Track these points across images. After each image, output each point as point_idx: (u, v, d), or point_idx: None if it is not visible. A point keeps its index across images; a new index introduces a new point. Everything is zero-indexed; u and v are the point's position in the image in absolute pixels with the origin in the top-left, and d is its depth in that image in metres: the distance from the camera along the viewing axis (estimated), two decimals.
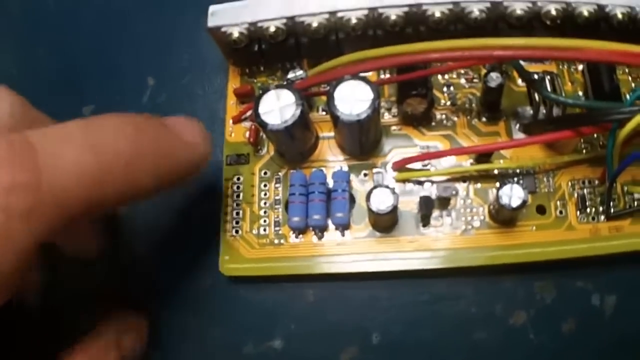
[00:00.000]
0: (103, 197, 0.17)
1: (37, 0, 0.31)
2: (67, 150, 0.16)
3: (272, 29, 0.24)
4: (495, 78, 0.23)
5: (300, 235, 0.24)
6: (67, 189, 0.16)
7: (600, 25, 0.24)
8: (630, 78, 0.25)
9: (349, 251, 0.24)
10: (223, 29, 0.24)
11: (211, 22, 0.24)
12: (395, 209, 0.22)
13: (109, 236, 0.25)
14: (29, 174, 0.15)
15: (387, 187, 0.22)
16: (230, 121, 0.26)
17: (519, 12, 0.24)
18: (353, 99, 0.22)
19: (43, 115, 0.21)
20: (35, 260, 0.25)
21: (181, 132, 0.20)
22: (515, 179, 0.24)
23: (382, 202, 0.22)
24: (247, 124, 0.26)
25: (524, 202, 0.22)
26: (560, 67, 0.26)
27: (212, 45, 0.25)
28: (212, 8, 0.24)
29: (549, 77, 0.24)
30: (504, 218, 0.23)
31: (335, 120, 0.22)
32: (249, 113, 0.25)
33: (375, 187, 0.22)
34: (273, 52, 0.25)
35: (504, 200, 0.22)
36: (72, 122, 0.17)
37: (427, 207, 0.23)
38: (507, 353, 0.23)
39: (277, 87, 0.22)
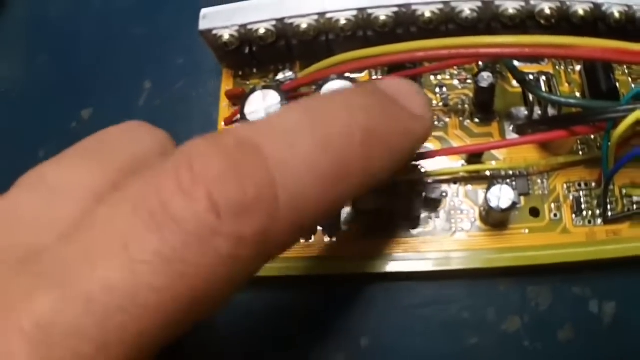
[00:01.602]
0: (339, 195, 0.14)
1: (38, 7, 0.32)
2: (296, 148, 0.13)
3: (262, 31, 0.24)
4: (486, 78, 0.23)
5: None
6: (303, 196, 0.13)
7: (598, 25, 0.24)
8: (630, 79, 0.25)
9: (336, 253, 0.23)
10: (214, 32, 0.24)
11: (202, 25, 0.24)
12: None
13: None
14: (263, 188, 0.12)
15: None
16: (222, 123, 0.26)
17: (511, 11, 0.23)
18: None
19: None
20: None
21: (408, 104, 0.17)
22: (508, 180, 0.23)
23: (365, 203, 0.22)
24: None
25: (514, 204, 0.21)
26: (557, 67, 0.25)
27: (206, 48, 0.25)
28: (204, 11, 0.24)
29: (544, 77, 0.24)
30: (494, 220, 0.23)
31: None
32: (239, 115, 0.25)
33: None
34: (264, 54, 0.25)
35: (493, 201, 0.21)
36: (289, 109, 0.15)
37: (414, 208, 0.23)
38: None
39: (264, 87, 0.22)
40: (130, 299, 0.11)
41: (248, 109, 0.22)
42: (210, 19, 0.24)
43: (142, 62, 0.29)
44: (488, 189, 0.21)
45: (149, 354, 0.12)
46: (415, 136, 0.17)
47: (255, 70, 0.27)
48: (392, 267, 0.23)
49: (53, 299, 0.11)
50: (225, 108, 0.26)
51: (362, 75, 0.25)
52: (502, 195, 0.21)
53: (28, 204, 0.14)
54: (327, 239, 0.24)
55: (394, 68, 0.23)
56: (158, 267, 0.11)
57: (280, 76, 0.24)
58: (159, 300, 0.11)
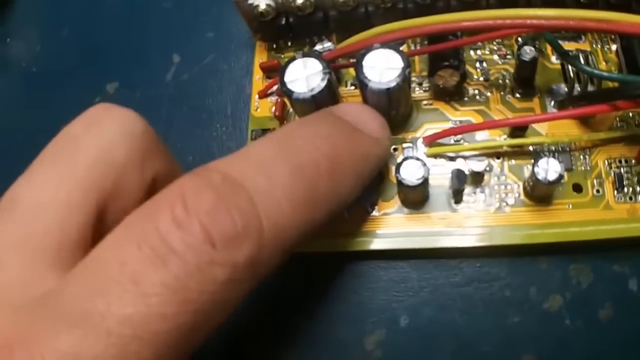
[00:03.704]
0: (313, 218, 0.16)
1: None
2: (274, 178, 0.15)
3: (300, 1, 0.24)
4: (528, 52, 0.23)
5: None
6: (284, 222, 0.15)
7: (632, 5, 0.24)
8: None
9: (376, 228, 0.23)
10: (250, 1, 0.24)
11: None
12: (426, 181, 0.21)
13: None
14: (250, 218, 0.14)
15: (417, 159, 0.21)
16: (257, 96, 0.25)
17: None
18: (382, 67, 0.21)
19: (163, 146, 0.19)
20: None
21: (368, 128, 0.19)
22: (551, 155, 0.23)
23: (412, 174, 0.21)
24: (273, 98, 0.25)
25: (561, 176, 0.21)
26: (594, 46, 0.25)
27: (238, 21, 0.25)
28: None
29: (583, 55, 0.24)
30: (539, 194, 0.22)
31: (364, 89, 0.21)
32: (275, 87, 0.25)
33: (405, 159, 0.21)
34: (301, 25, 0.25)
35: (540, 173, 0.21)
36: (258, 144, 0.16)
37: (459, 181, 0.22)
38: (541, 339, 0.22)
39: (304, 55, 0.22)
40: (144, 328, 0.12)
41: (288, 78, 0.21)
42: None
43: (170, 36, 0.29)
44: (535, 161, 0.21)
45: None
46: (375, 158, 0.19)
47: (290, 44, 0.26)
48: (434, 242, 0.22)
49: (75, 337, 0.12)
50: (258, 81, 0.26)
51: (403, 47, 0.25)
52: (550, 168, 0.21)
53: (8, 232, 0.15)
54: (365, 214, 0.23)
55: (435, 39, 0.23)
56: (166, 297, 0.13)
57: (318, 47, 0.24)
58: (169, 326, 0.13)
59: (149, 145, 0.17)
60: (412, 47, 0.25)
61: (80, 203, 0.15)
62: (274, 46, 0.26)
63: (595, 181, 0.23)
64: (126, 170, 0.16)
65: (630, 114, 0.24)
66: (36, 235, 0.15)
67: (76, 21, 0.30)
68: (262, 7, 0.24)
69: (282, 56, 0.26)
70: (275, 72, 0.25)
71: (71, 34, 0.30)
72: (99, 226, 0.16)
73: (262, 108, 0.25)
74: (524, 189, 0.23)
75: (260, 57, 0.26)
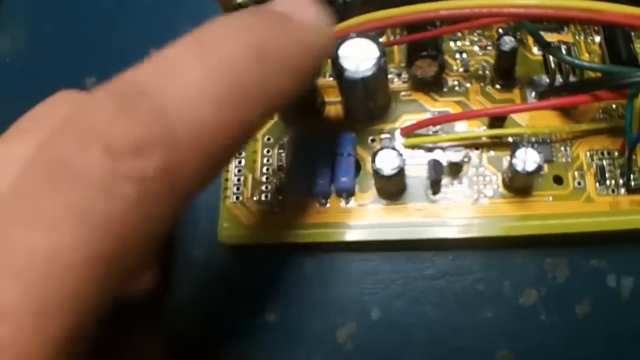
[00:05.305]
0: (244, 116, 0.14)
1: None
2: (184, 77, 0.13)
3: None
4: (508, 42, 0.22)
5: (303, 202, 0.23)
6: (203, 122, 0.13)
7: None
8: None
9: (352, 219, 0.22)
10: None
11: None
12: (401, 171, 0.21)
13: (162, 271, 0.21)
14: (154, 121, 0.13)
15: (393, 148, 0.21)
16: None
17: None
18: (358, 56, 0.21)
19: None
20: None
21: (299, 16, 0.17)
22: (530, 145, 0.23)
23: (387, 164, 0.21)
24: None
25: (540, 167, 0.21)
26: (577, 37, 0.25)
27: (218, 14, 0.25)
28: None
29: (564, 46, 0.23)
30: (518, 185, 0.22)
31: (340, 79, 0.21)
32: None
33: (381, 149, 0.21)
34: None
35: (519, 164, 0.21)
36: (175, 42, 0.14)
37: (436, 171, 0.22)
38: (516, 334, 0.22)
39: None
40: (53, 261, 0.11)
41: None
42: None
43: (149, 30, 0.28)
44: (513, 151, 0.21)
45: (93, 315, 0.12)
46: (310, 47, 0.17)
47: None
48: (410, 233, 0.22)
49: (5, 284, 0.11)
50: None
51: (382, 38, 0.25)
52: (528, 158, 0.21)
53: None
54: (344, 205, 0.23)
55: (413, 29, 0.22)
56: (73, 224, 0.11)
57: None
58: (84, 257, 0.11)
59: None
60: (392, 38, 0.25)
61: None
62: None
63: (576, 173, 0.22)
64: None
65: (614, 106, 0.23)
66: None
67: (59, 17, 0.30)
68: None
69: None
70: None
71: (54, 30, 0.30)
72: None
73: None
74: (503, 180, 0.22)
75: None
